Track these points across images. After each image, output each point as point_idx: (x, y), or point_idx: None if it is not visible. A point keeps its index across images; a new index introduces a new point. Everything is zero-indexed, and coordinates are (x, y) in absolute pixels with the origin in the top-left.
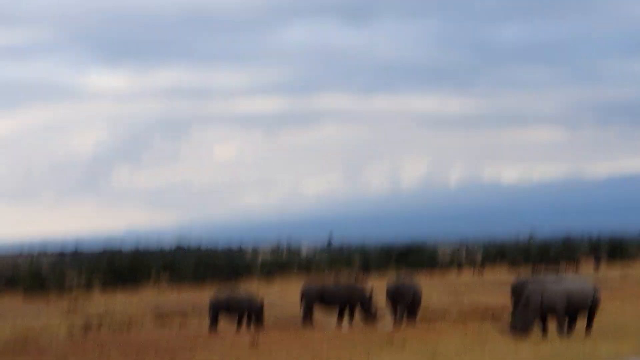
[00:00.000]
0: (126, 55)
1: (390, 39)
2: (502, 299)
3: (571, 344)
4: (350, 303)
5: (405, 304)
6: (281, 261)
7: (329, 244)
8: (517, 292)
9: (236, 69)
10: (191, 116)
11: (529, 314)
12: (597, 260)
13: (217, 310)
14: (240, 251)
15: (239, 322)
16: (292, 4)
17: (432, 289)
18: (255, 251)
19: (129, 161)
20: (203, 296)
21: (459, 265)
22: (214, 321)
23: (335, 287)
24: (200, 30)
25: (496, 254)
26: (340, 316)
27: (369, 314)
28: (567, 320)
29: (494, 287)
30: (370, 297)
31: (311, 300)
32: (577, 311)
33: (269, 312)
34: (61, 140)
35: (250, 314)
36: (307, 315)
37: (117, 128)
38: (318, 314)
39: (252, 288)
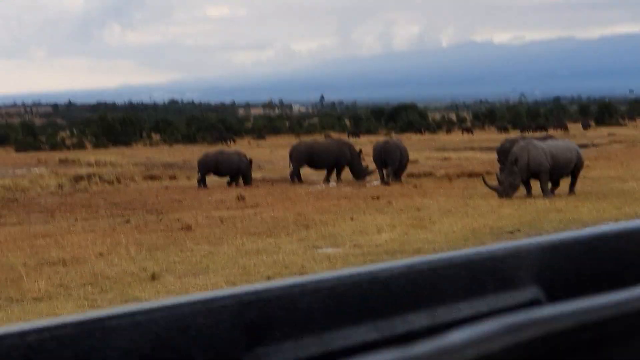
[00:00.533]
0: None
1: None
2: (490, 160)
3: (554, 203)
4: (338, 163)
5: (393, 164)
6: (272, 119)
7: (321, 103)
8: (504, 153)
9: None
10: None
11: (515, 174)
12: (586, 122)
13: (205, 170)
14: (232, 109)
15: (229, 181)
16: None
17: (420, 149)
18: (247, 109)
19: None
20: (194, 153)
21: (449, 126)
22: (203, 179)
23: (324, 147)
24: None
25: (486, 115)
26: (329, 175)
27: (358, 173)
28: (550, 181)
29: (482, 148)
30: (358, 157)
31: (300, 160)
32: (562, 172)
33: (260, 171)
34: None
35: (238, 173)
36: (296, 174)
37: None
38: (308, 173)
39: (243, 146)
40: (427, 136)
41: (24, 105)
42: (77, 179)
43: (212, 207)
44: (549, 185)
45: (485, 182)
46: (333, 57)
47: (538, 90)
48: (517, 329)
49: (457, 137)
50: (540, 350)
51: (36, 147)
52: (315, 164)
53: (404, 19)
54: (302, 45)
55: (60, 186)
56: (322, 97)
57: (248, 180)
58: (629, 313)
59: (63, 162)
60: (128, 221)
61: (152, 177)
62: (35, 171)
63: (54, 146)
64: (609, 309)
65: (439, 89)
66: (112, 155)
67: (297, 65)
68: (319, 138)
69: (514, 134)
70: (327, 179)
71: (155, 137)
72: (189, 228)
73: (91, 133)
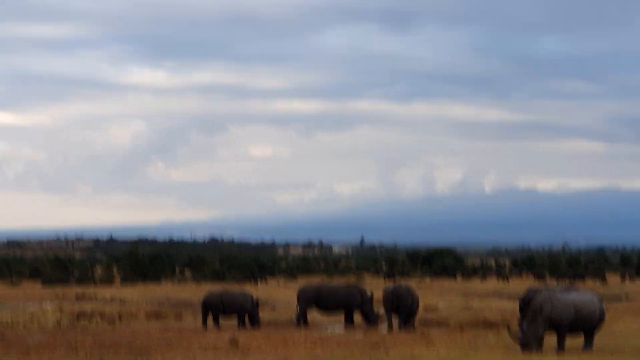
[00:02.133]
0: (167, 53)
1: (430, 46)
2: (512, 309)
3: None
4: (347, 306)
5: (404, 309)
6: (307, 259)
7: (361, 245)
8: (526, 303)
9: (275, 70)
10: (228, 115)
11: (538, 325)
12: (624, 273)
13: (208, 309)
14: (271, 248)
15: (238, 321)
16: (334, 7)
17: (445, 294)
18: (286, 249)
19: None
20: None
21: (484, 272)
22: (204, 319)
23: (332, 290)
24: (240, 31)
25: (524, 262)
26: (347, 318)
27: (368, 318)
28: (564, 335)
29: (512, 297)
30: (369, 301)
31: (306, 302)
32: (584, 327)
33: (272, 312)
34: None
35: (243, 312)
36: (301, 316)
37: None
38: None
39: (273, 286)
40: (460, 282)
41: (66, 239)
42: (80, 315)
43: (199, 350)
44: (565, 338)
45: (509, 331)
46: (375, 199)
47: (582, 239)
48: None
49: (491, 284)
50: None
51: (64, 281)
52: (322, 307)
53: (447, 163)
54: (344, 187)
55: (59, 323)
56: (362, 239)
57: (255, 321)
58: None
59: (80, 297)
60: None
61: (157, 316)
62: (41, 306)
63: (81, 281)
64: None
65: (481, 234)
66: (134, 292)
67: (338, 206)
68: (325, 281)
69: (538, 284)
70: (346, 323)
71: (188, 273)
72: None
73: (121, 268)
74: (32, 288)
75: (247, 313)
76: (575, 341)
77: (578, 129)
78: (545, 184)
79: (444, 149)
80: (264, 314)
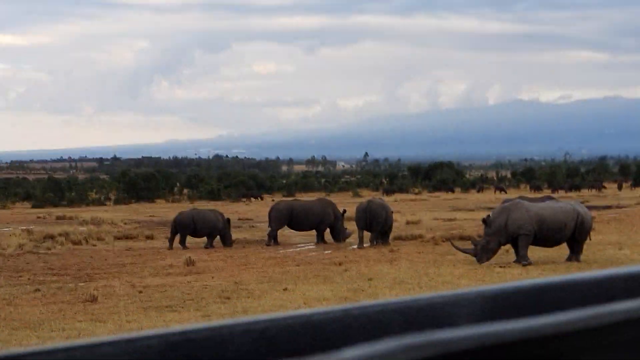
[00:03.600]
0: None
1: None
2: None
3: (529, 273)
4: (321, 223)
5: (377, 225)
6: (306, 176)
7: (365, 160)
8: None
9: None
10: (231, 32)
11: (490, 237)
12: (621, 182)
13: (177, 229)
14: (275, 165)
15: (208, 241)
16: None
17: (433, 209)
18: (290, 165)
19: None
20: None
21: (480, 185)
22: (171, 239)
23: (306, 207)
24: None
25: (524, 174)
26: (319, 236)
27: (339, 235)
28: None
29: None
30: (341, 218)
31: (279, 220)
32: (553, 238)
33: (249, 231)
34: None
35: (214, 232)
36: (273, 235)
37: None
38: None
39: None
40: (456, 195)
41: (70, 160)
42: (46, 238)
43: (152, 272)
44: (526, 250)
45: (453, 245)
46: (379, 114)
47: (585, 149)
48: (417, 348)
49: (487, 196)
50: None
51: (55, 203)
52: (296, 225)
53: (451, 76)
54: (348, 102)
55: (21, 246)
56: (366, 154)
57: (227, 241)
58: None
59: (60, 218)
60: (38, 290)
61: (127, 237)
62: (10, 230)
63: (73, 202)
64: (514, 333)
65: (485, 147)
66: (120, 213)
67: (343, 122)
68: (298, 199)
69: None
70: (318, 238)
71: (186, 192)
72: (94, 300)
73: (115, 188)
74: (20, 210)
75: (219, 233)
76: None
77: (581, 40)
78: (549, 95)
79: (447, 62)
80: (242, 233)
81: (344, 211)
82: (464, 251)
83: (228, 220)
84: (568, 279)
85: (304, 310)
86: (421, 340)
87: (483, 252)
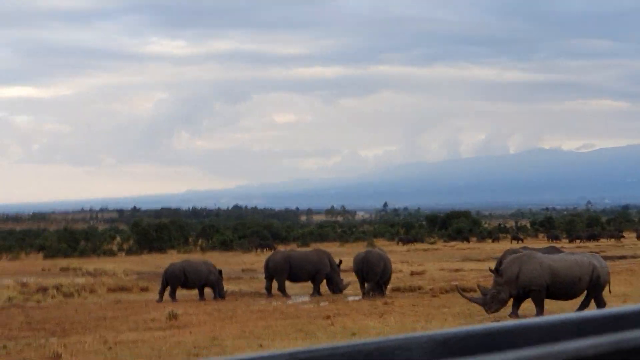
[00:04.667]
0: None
1: (451, 7)
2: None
3: None
4: (318, 273)
5: (374, 276)
6: (322, 226)
7: (384, 210)
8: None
9: (295, 36)
10: (250, 82)
11: (500, 287)
12: (639, 231)
13: (170, 281)
14: (295, 215)
15: (200, 293)
16: None
17: (443, 259)
18: (309, 215)
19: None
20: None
21: (495, 235)
22: (161, 292)
23: (303, 256)
24: None
25: (542, 224)
26: (315, 286)
27: (335, 286)
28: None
29: None
30: (337, 268)
31: (274, 272)
32: (567, 291)
33: (248, 282)
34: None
35: (206, 284)
36: (268, 287)
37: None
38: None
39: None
40: (471, 245)
41: (90, 210)
42: (39, 291)
43: (132, 327)
44: (541, 305)
45: (461, 294)
46: (399, 164)
47: (607, 198)
48: None
49: (503, 246)
50: None
51: (67, 254)
52: (293, 276)
53: (471, 126)
54: (368, 152)
55: (10, 299)
56: (385, 204)
57: (219, 293)
58: None
59: (64, 270)
60: (5, 346)
61: (122, 289)
62: (7, 282)
63: (84, 253)
64: None
65: (506, 196)
66: (127, 263)
67: (363, 171)
68: (295, 249)
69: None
70: (315, 292)
71: (202, 242)
72: (57, 357)
73: (126, 239)
74: (30, 262)
75: (210, 284)
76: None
77: (603, 88)
78: (571, 144)
79: (467, 111)
80: (240, 284)
81: (340, 262)
82: (473, 300)
83: (220, 271)
84: (521, 323)
85: (248, 354)
86: None
87: (493, 301)
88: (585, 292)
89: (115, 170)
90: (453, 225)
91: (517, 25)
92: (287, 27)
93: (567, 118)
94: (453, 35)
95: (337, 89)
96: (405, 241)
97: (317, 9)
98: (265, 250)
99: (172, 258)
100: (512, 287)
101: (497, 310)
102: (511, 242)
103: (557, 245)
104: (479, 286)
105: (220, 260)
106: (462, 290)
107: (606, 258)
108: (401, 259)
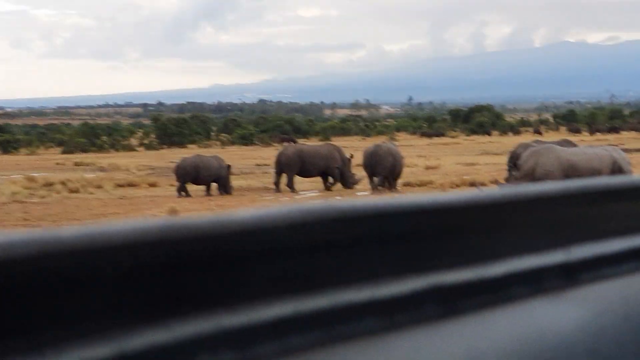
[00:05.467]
0: None
1: None
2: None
3: None
4: (328, 168)
5: (383, 170)
6: (345, 120)
7: (409, 104)
8: (514, 158)
9: None
10: None
11: (516, 182)
12: None
13: (183, 177)
14: (319, 109)
15: (207, 188)
16: None
17: (461, 153)
18: (334, 109)
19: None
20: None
21: (516, 128)
22: (182, 188)
23: (313, 151)
24: None
25: (565, 117)
26: (326, 181)
27: (345, 181)
28: None
29: None
30: (348, 163)
31: (285, 166)
32: None
33: (261, 177)
34: None
35: (217, 180)
36: (277, 181)
37: None
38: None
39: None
40: (492, 138)
41: (115, 105)
42: (46, 186)
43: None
44: None
45: (479, 189)
46: (424, 58)
47: (632, 91)
48: None
49: (524, 139)
50: None
51: (84, 149)
52: (305, 171)
53: (496, 20)
54: (393, 46)
55: (14, 194)
56: (410, 98)
57: (227, 189)
58: None
59: (78, 165)
60: None
61: (130, 185)
62: (15, 177)
63: (102, 148)
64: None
65: (531, 90)
66: (145, 158)
67: (388, 65)
68: (306, 144)
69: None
70: (325, 185)
71: (223, 137)
72: None
73: (146, 134)
74: (47, 157)
75: (220, 180)
76: None
77: None
78: (596, 37)
79: (492, 5)
80: (250, 180)
81: (351, 156)
82: None
83: (228, 167)
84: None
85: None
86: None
87: None
88: None
89: (140, 64)
90: (475, 119)
91: None
92: None
93: (593, 11)
94: None
95: None
96: (428, 135)
97: None
98: (286, 144)
99: (191, 153)
100: (529, 181)
101: None
102: (534, 135)
103: (576, 138)
104: (497, 182)
105: (237, 154)
106: (472, 187)
107: (626, 151)
108: (419, 153)
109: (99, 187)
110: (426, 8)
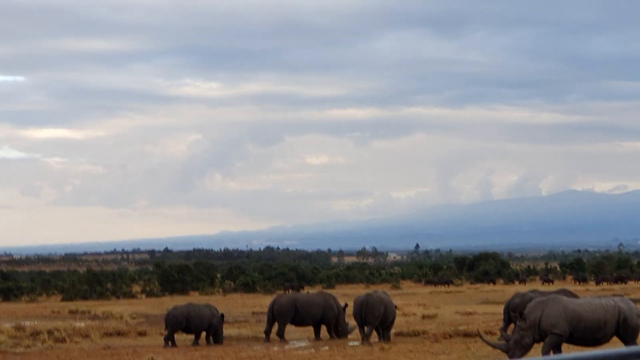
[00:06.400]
0: (220, 64)
1: (482, 50)
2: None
3: None
4: (324, 317)
5: (373, 321)
6: (349, 268)
7: (416, 251)
8: (513, 309)
9: (327, 78)
10: (283, 124)
11: (523, 331)
12: None
13: (173, 325)
14: (326, 257)
15: (196, 338)
16: (384, 14)
17: (461, 302)
18: (340, 257)
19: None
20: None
21: (523, 277)
22: (170, 337)
23: (309, 300)
24: (291, 40)
25: (571, 266)
26: (317, 331)
27: (340, 330)
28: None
29: None
30: (343, 313)
31: (278, 315)
32: (592, 337)
33: (254, 325)
34: (156, 147)
35: (209, 329)
36: (267, 331)
37: (211, 135)
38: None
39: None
40: (497, 287)
41: (122, 252)
42: (34, 335)
43: None
44: (549, 350)
45: (483, 339)
46: (432, 206)
47: None
48: None
49: (530, 287)
50: None
51: (85, 296)
52: (299, 320)
53: (503, 168)
54: (401, 194)
55: None
56: (417, 246)
57: (218, 338)
58: None
59: (73, 313)
60: None
61: (119, 333)
62: (5, 325)
63: (103, 296)
64: None
65: (539, 238)
66: (143, 306)
67: (395, 213)
68: (300, 293)
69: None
70: (316, 337)
71: (226, 284)
72: None
73: (147, 281)
74: (46, 304)
75: (209, 329)
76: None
77: (636, 130)
78: (603, 186)
79: (499, 153)
80: (243, 329)
81: (345, 305)
82: (495, 346)
83: (222, 316)
84: None
85: None
86: None
87: (517, 347)
88: (618, 337)
89: (149, 211)
90: (480, 267)
91: (548, 67)
92: (319, 69)
93: (599, 160)
94: (484, 77)
95: (369, 131)
96: (432, 283)
97: (348, 52)
98: (289, 291)
99: (194, 300)
100: (535, 332)
101: (521, 356)
102: (542, 285)
103: (581, 287)
104: (501, 331)
105: (238, 302)
106: (466, 337)
107: (634, 301)
108: (420, 301)
109: (87, 336)
110: (434, 156)
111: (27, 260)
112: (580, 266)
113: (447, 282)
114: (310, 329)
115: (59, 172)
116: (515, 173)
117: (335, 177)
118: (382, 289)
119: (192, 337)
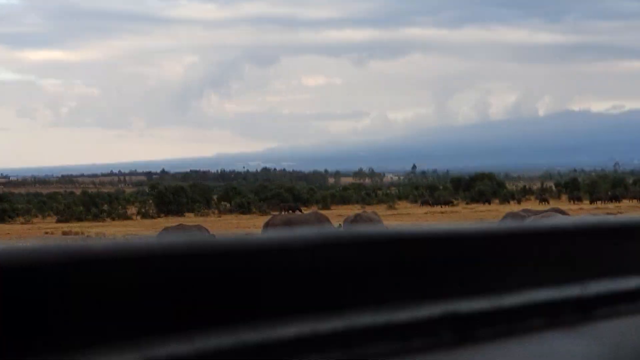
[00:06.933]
0: None
1: None
2: None
3: None
4: None
5: None
6: (345, 188)
7: (413, 172)
8: None
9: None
10: (280, 46)
11: None
12: None
13: None
14: (323, 177)
15: None
16: None
17: (458, 221)
18: (337, 178)
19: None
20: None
21: (519, 196)
22: None
23: (302, 220)
24: None
25: (567, 185)
26: None
27: None
28: None
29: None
30: None
31: None
32: None
33: None
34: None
35: None
36: None
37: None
38: None
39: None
40: (492, 207)
41: (119, 174)
42: None
43: None
44: None
45: None
46: (429, 126)
47: (637, 159)
48: None
49: (525, 207)
50: None
51: (80, 218)
52: None
53: (500, 88)
54: (398, 115)
55: None
56: (413, 166)
57: None
58: None
59: (66, 234)
60: None
61: None
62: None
63: (98, 217)
64: None
65: (536, 159)
66: (137, 227)
67: (392, 134)
68: (294, 213)
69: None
70: None
71: (222, 205)
72: None
73: (143, 202)
74: (40, 225)
75: None
76: None
77: (634, 49)
78: (600, 105)
79: (497, 74)
80: None
81: (339, 226)
82: None
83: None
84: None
85: None
86: None
87: None
88: None
89: (146, 133)
90: (476, 187)
91: None
92: None
93: (596, 79)
94: None
95: (366, 52)
96: (429, 203)
97: None
98: (286, 212)
99: (188, 221)
100: None
101: None
102: (539, 204)
103: (575, 206)
104: None
105: (232, 223)
106: None
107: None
108: (414, 221)
109: None
110: (431, 77)
111: (23, 182)
112: (575, 185)
113: (444, 203)
114: None
115: (54, 94)
116: (512, 94)
117: (332, 98)
118: (377, 210)
119: None
